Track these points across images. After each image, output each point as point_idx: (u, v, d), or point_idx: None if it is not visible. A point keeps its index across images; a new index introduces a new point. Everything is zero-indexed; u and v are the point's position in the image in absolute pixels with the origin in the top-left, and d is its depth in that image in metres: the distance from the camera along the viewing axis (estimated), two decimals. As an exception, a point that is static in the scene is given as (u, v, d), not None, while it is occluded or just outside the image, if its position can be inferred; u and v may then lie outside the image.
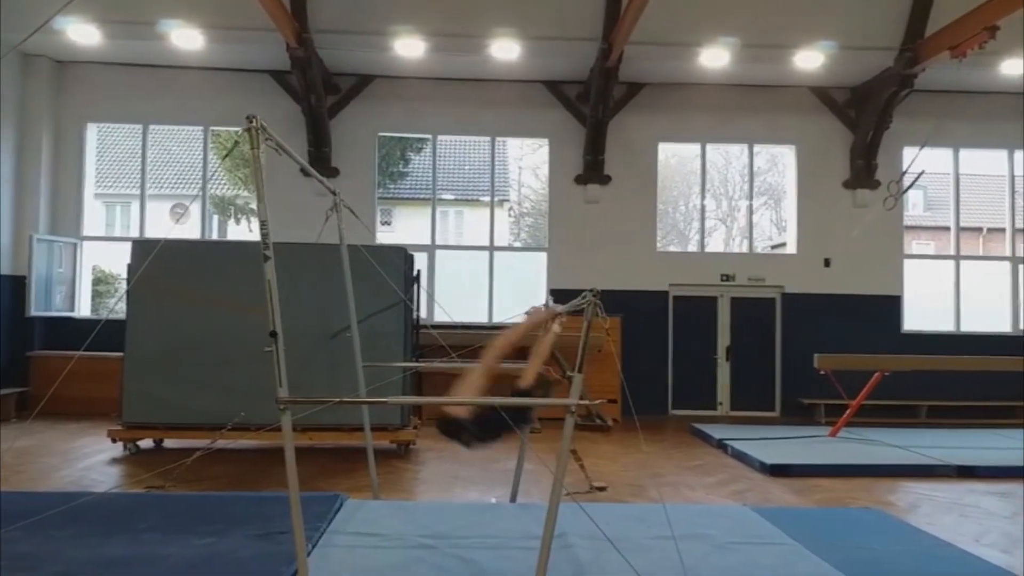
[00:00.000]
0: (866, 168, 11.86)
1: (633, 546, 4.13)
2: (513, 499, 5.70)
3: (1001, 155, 12.60)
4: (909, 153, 10.80)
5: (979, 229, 21.75)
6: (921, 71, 10.68)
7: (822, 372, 9.47)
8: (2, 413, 9.83)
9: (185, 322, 7.58)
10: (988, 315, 12.42)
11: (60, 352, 10.49)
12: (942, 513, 5.93)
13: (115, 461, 7.39)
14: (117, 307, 11.38)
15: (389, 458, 7.62)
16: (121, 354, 7.67)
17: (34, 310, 10.73)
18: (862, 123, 11.72)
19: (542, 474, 6.57)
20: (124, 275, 9.20)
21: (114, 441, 7.69)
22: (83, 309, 11.72)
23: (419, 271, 8.99)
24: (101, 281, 16.65)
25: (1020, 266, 12.37)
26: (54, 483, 6.42)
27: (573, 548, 4.24)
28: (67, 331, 11.11)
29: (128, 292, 7.89)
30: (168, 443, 8.01)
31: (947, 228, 13.31)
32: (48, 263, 11.06)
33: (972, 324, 12.23)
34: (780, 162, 16.74)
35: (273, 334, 3.13)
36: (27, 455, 7.51)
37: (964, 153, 12.51)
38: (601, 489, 6.43)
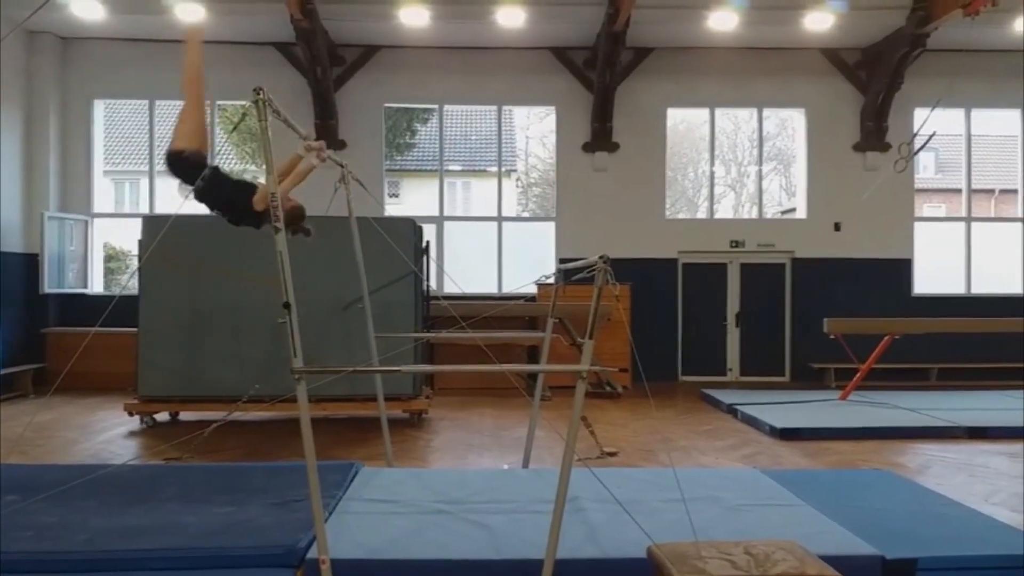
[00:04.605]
0: (876, 130, 11.73)
1: (644, 509, 4.18)
2: (525, 465, 5.77)
3: (1014, 115, 12.41)
4: (920, 114, 10.65)
5: (991, 191, 21.53)
6: (933, 30, 10.50)
7: (832, 336, 9.47)
8: (20, 388, 9.98)
9: (198, 296, 7.65)
10: (999, 277, 12.35)
11: (75, 328, 10.61)
12: (952, 474, 5.98)
13: (132, 434, 7.51)
14: (129, 283, 11.45)
15: (402, 427, 7.71)
16: (135, 329, 7.75)
17: (47, 287, 10.83)
18: (873, 84, 11.57)
19: (553, 440, 6.66)
20: (135, 251, 9.26)
21: (131, 415, 7.81)
22: (96, 286, 11.82)
23: (428, 242, 9.02)
24: (112, 258, 16.74)
25: (1032, 227, 12.27)
26: (74, 456, 6.55)
27: (585, 512, 4.29)
28: (81, 307, 11.21)
29: (140, 268, 7.95)
30: (184, 416, 8.13)
31: (958, 190, 13.19)
32: (60, 240, 11.13)
33: (983, 286, 12.17)
34: (789, 126, 16.59)
35: (286, 305, 3.16)
36: (47, 429, 7.65)
37: (976, 113, 12.34)
38: (612, 454, 6.50)
